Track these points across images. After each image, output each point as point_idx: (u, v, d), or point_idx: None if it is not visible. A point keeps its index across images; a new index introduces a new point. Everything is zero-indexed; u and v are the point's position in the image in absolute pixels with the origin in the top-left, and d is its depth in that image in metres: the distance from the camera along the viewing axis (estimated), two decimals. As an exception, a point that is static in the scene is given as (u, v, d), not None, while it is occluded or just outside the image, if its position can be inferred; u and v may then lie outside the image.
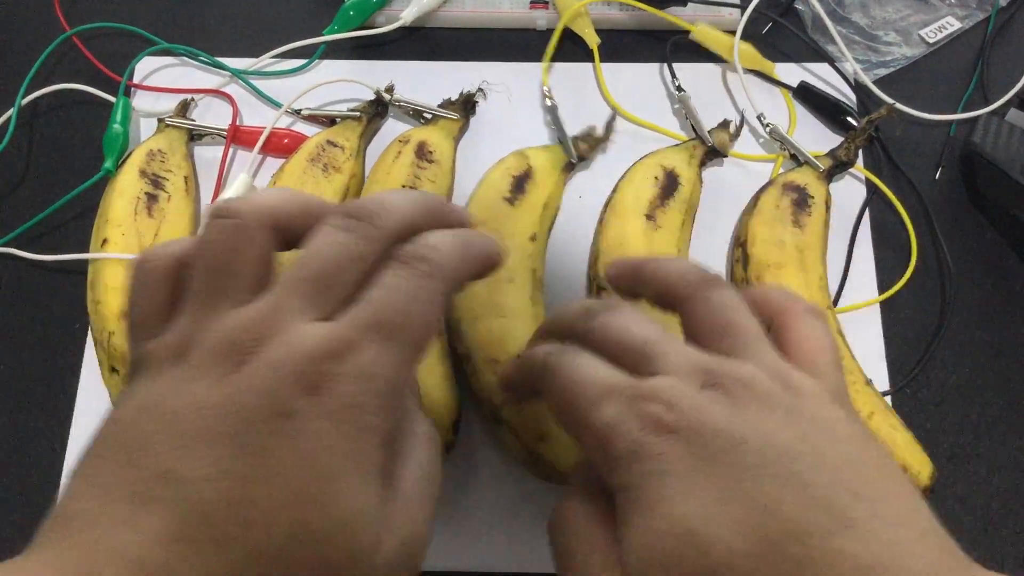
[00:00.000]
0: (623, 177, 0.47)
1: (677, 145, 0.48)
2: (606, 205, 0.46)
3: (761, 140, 0.50)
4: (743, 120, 0.50)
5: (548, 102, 0.50)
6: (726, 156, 0.49)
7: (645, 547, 0.24)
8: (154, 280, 0.25)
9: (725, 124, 0.49)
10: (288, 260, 0.25)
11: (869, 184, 0.48)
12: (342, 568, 0.21)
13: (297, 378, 0.22)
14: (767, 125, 0.49)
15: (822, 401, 0.25)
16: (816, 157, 0.47)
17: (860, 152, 0.48)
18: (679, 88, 0.50)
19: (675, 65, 0.51)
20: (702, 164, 0.48)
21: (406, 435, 0.25)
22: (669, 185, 0.46)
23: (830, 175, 0.47)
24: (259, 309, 0.23)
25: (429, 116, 0.49)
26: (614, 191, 0.46)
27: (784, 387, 0.25)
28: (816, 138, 0.50)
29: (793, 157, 0.48)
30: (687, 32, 0.52)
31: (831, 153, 0.48)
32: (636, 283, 0.31)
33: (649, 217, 0.44)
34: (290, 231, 0.25)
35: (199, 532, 0.20)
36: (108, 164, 0.47)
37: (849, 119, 0.50)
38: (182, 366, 0.22)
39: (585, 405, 0.26)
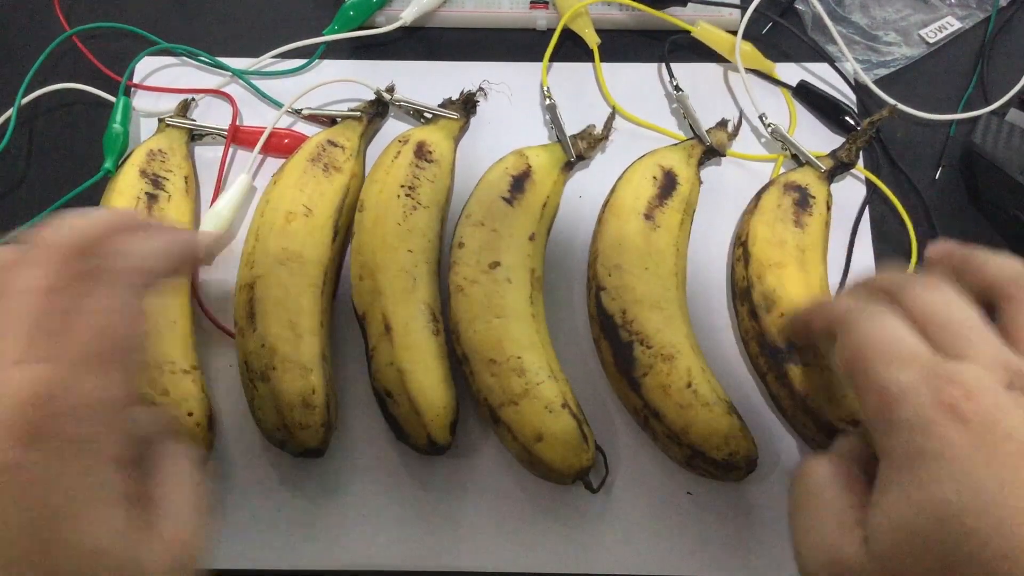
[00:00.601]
0: (621, 177, 0.47)
1: (675, 144, 0.48)
2: (604, 205, 0.46)
3: (763, 140, 0.50)
4: (741, 119, 0.50)
5: (547, 101, 0.50)
6: (724, 155, 0.49)
7: (901, 517, 0.24)
8: None
9: (723, 123, 0.49)
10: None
11: (869, 184, 0.48)
12: None
13: (15, 430, 0.21)
14: (769, 125, 0.49)
15: None
16: (817, 157, 0.47)
17: (860, 152, 0.48)
18: (677, 87, 0.50)
19: (676, 65, 0.51)
20: (700, 163, 0.48)
21: (153, 454, 0.25)
22: (667, 184, 0.46)
23: (831, 175, 0.47)
24: None
25: (429, 116, 0.49)
26: (612, 191, 0.46)
27: None
28: (816, 137, 0.50)
29: (794, 157, 0.48)
30: (687, 32, 0.52)
31: (832, 154, 0.48)
32: (960, 269, 0.30)
33: (648, 217, 0.44)
34: None
35: None
36: (108, 164, 0.47)
37: (848, 119, 0.50)
38: None
39: (882, 363, 0.26)
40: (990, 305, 0.29)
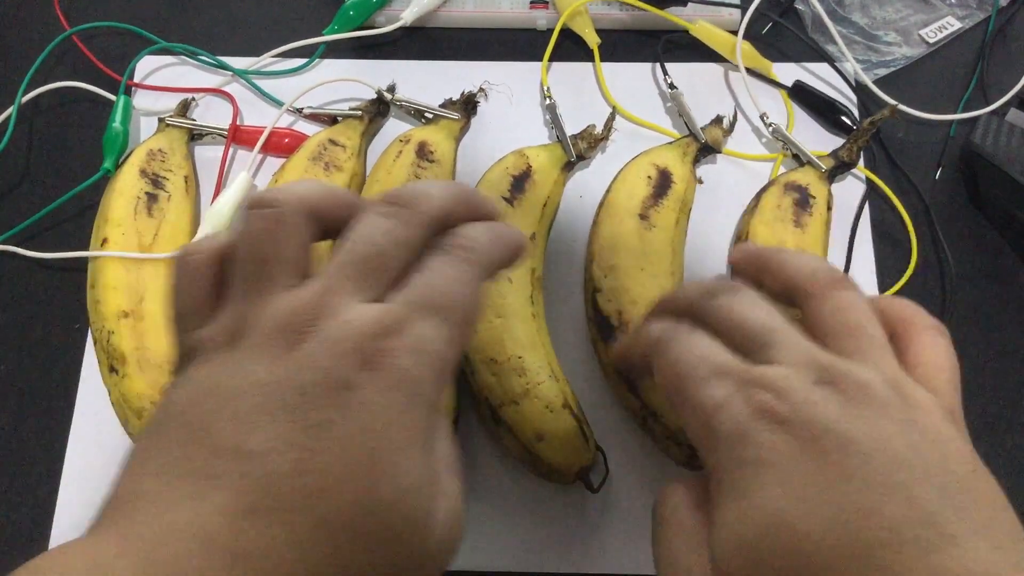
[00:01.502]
0: (616, 177, 0.47)
1: (670, 143, 0.48)
2: (600, 205, 0.46)
3: (764, 140, 0.50)
4: (736, 115, 0.50)
5: (548, 101, 0.50)
6: (719, 152, 0.49)
7: (735, 533, 0.24)
8: (198, 272, 0.25)
9: (718, 120, 0.49)
10: (326, 250, 0.25)
11: (869, 183, 0.48)
12: (403, 537, 0.22)
13: (355, 353, 0.22)
14: (770, 125, 0.49)
15: (936, 416, 0.25)
16: (818, 157, 0.47)
17: (861, 152, 0.48)
18: (671, 85, 0.50)
19: (676, 65, 0.51)
20: (696, 161, 0.48)
21: (442, 425, 0.26)
22: (662, 184, 0.45)
23: (832, 175, 0.47)
24: (312, 291, 0.23)
25: (430, 116, 0.49)
26: (607, 191, 0.46)
27: (900, 397, 0.25)
28: (812, 137, 0.50)
29: (795, 157, 0.48)
30: (684, 30, 0.52)
31: (833, 153, 0.48)
32: (761, 272, 0.30)
33: (643, 216, 0.44)
34: (326, 221, 0.26)
35: (265, 504, 0.20)
36: (108, 164, 0.47)
37: (844, 119, 0.50)
38: (238, 349, 0.23)
39: (695, 382, 0.26)
40: (794, 304, 0.29)
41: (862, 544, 0.22)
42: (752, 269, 0.31)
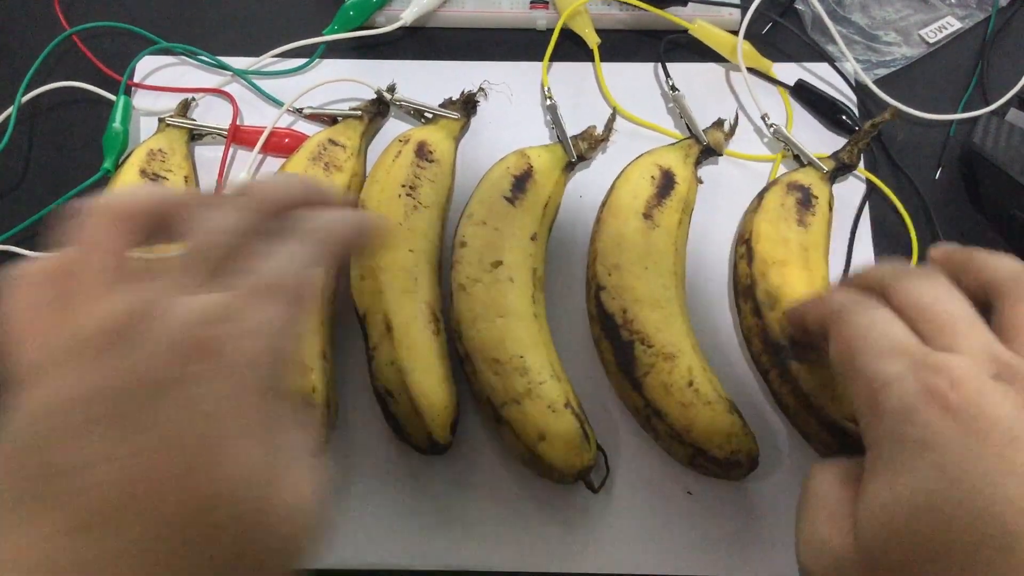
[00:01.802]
0: (619, 177, 0.47)
1: (672, 144, 0.48)
2: (603, 205, 0.46)
3: (765, 140, 0.50)
4: (737, 118, 0.50)
5: (548, 101, 0.50)
6: (721, 154, 0.49)
7: (884, 508, 0.24)
8: (22, 292, 0.25)
9: (720, 123, 0.49)
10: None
11: (869, 183, 0.48)
12: (240, 527, 0.22)
13: (179, 347, 0.22)
14: (771, 125, 0.49)
15: None
16: (819, 158, 0.47)
17: (862, 153, 0.48)
18: (673, 87, 0.50)
19: (676, 65, 0.51)
20: (698, 162, 0.48)
21: (287, 410, 0.25)
22: (665, 184, 0.46)
23: (833, 176, 0.47)
24: (134, 290, 0.23)
25: (430, 116, 0.49)
26: (610, 191, 0.46)
27: None
28: (813, 137, 0.50)
29: (796, 157, 0.48)
30: (684, 30, 0.52)
31: (835, 155, 0.48)
32: (961, 270, 0.30)
33: (646, 216, 0.44)
34: (155, 223, 0.25)
35: (95, 518, 0.20)
36: (107, 164, 0.47)
37: (845, 119, 0.50)
38: (61, 367, 0.22)
39: (871, 354, 0.27)
40: (988, 304, 0.29)
41: (1010, 538, 0.22)
42: (951, 267, 0.31)
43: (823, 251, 0.44)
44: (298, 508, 0.23)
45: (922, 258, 0.47)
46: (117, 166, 0.47)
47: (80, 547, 0.20)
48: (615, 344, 0.41)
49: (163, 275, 0.23)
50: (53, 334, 0.23)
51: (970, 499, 0.23)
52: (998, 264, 0.30)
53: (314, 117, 0.50)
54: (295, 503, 0.23)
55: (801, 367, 0.40)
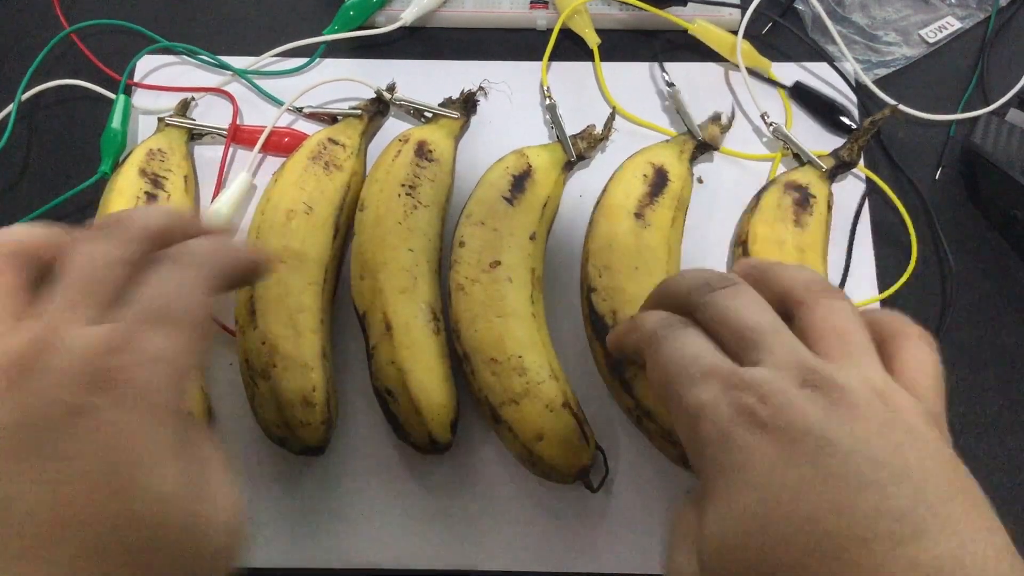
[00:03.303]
0: (612, 176, 0.47)
1: (667, 141, 0.48)
2: (596, 205, 0.46)
3: (764, 140, 0.50)
4: (734, 112, 0.50)
5: (547, 101, 0.50)
6: (717, 150, 0.49)
7: (716, 535, 0.24)
8: None
9: (716, 118, 0.49)
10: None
11: (869, 183, 0.48)
12: (170, 546, 0.22)
13: (82, 377, 0.22)
14: (771, 124, 0.49)
15: (918, 419, 0.25)
16: (818, 157, 0.47)
17: (862, 152, 0.48)
18: (669, 83, 0.50)
19: (675, 64, 0.51)
20: (693, 159, 0.48)
21: (195, 428, 0.26)
22: (658, 182, 0.45)
23: (832, 175, 0.47)
24: (28, 329, 0.23)
25: (429, 115, 0.49)
26: (604, 190, 0.46)
27: (882, 400, 0.25)
28: (812, 137, 0.50)
29: (796, 156, 0.48)
30: (683, 30, 0.52)
31: (834, 153, 0.48)
32: (759, 283, 0.31)
33: (638, 215, 0.44)
34: (40, 261, 0.25)
35: (19, 546, 0.20)
36: (105, 166, 0.47)
37: (844, 119, 0.50)
38: None
39: (683, 383, 0.27)
40: (788, 314, 0.29)
41: (835, 542, 0.22)
42: (751, 281, 0.31)
43: (821, 252, 0.44)
44: (224, 522, 0.24)
45: (922, 258, 0.47)
46: (116, 166, 0.47)
47: (24, 573, 0.20)
48: (606, 345, 0.41)
49: (53, 310, 0.23)
50: None
51: (792, 512, 0.23)
52: (793, 274, 0.30)
53: (314, 116, 0.50)
54: (221, 517, 0.24)
55: None
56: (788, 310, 0.29)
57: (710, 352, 0.28)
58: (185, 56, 0.52)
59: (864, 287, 0.46)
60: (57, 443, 0.21)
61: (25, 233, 0.26)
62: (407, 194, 0.44)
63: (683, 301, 0.30)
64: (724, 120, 0.49)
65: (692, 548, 0.26)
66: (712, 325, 0.29)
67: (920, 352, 0.28)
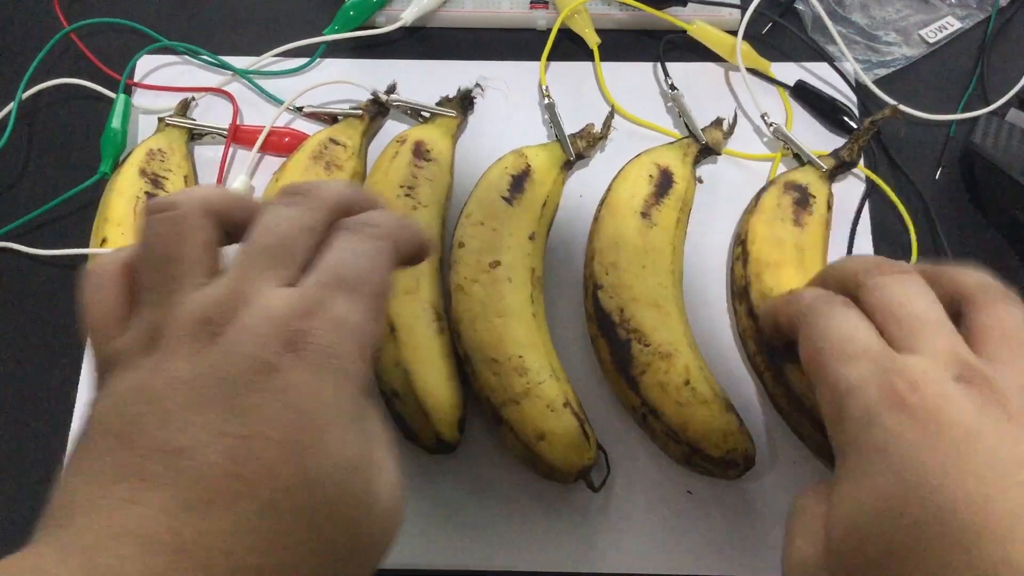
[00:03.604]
0: (617, 175, 0.47)
1: (671, 143, 0.48)
2: (601, 203, 0.46)
3: (765, 139, 0.50)
4: (736, 117, 0.50)
5: (546, 100, 0.50)
6: (719, 153, 0.49)
7: (849, 514, 0.25)
8: (106, 283, 0.25)
9: (718, 122, 0.49)
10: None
11: (869, 183, 0.48)
12: (346, 512, 0.22)
13: (274, 337, 0.22)
14: (771, 124, 0.49)
15: None
16: (819, 157, 0.47)
17: (862, 151, 0.48)
18: (672, 86, 0.50)
19: (675, 65, 0.51)
20: (696, 162, 0.48)
21: (369, 402, 0.26)
22: (663, 183, 0.46)
23: (833, 175, 0.47)
24: (223, 284, 0.23)
25: (427, 115, 0.49)
26: (609, 189, 0.46)
27: None
28: (812, 137, 0.50)
29: (796, 156, 0.48)
30: (683, 31, 0.52)
31: (834, 153, 0.48)
32: (932, 278, 0.30)
33: (644, 215, 0.44)
34: (229, 222, 0.26)
35: (203, 496, 0.20)
36: (104, 167, 0.47)
37: (846, 119, 0.50)
38: (155, 353, 0.23)
39: (835, 359, 0.27)
40: (958, 314, 0.29)
41: (969, 536, 0.22)
42: (925, 275, 0.31)
43: (820, 252, 0.44)
44: (392, 495, 0.24)
45: (922, 258, 0.46)
46: (116, 166, 0.47)
47: (183, 527, 0.20)
48: (612, 342, 0.41)
49: (247, 269, 0.24)
50: (145, 321, 0.24)
51: (930, 500, 0.23)
52: (967, 275, 0.30)
53: (314, 116, 0.50)
54: (389, 490, 0.23)
55: (794, 368, 0.40)
56: (958, 310, 0.29)
57: (867, 333, 0.28)
58: (185, 56, 0.52)
59: (864, 287, 0.46)
60: (245, 398, 0.21)
61: (218, 193, 0.26)
62: (406, 195, 0.44)
63: (850, 281, 0.30)
64: (726, 126, 0.49)
65: (816, 531, 0.26)
66: (876, 308, 0.28)
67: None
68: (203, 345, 0.22)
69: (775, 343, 0.40)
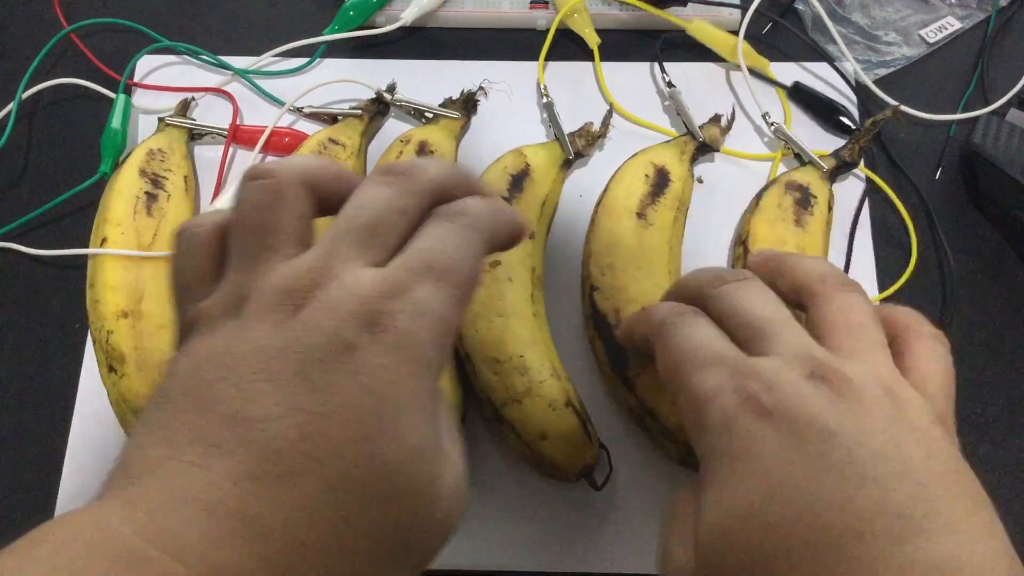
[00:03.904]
0: (614, 175, 0.47)
1: (668, 141, 0.48)
2: (597, 204, 0.46)
3: (765, 139, 0.50)
4: (734, 114, 0.50)
5: (545, 100, 0.50)
6: (717, 151, 0.49)
7: (714, 521, 0.24)
8: (198, 245, 0.25)
9: (716, 119, 0.49)
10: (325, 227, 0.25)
11: (869, 183, 0.48)
12: (410, 498, 0.22)
13: (356, 316, 0.22)
14: (772, 124, 0.49)
15: (924, 418, 0.25)
16: (819, 157, 0.47)
17: (863, 152, 0.48)
18: (669, 84, 0.50)
19: (676, 64, 0.51)
20: (693, 160, 0.48)
21: (440, 391, 0.26)
22: (660, 182, 0.46)
23: (833, 175, 0.47)
24: (312, 258, 0.23)
25: (430, 116, 0.49)
26: (605, 189, 0.46)
27: (890, 396, 0.25)
28: (812, 137, 0.50)
29: (796, 156, 0.48)
30: (681, 29, 0.52)
31: (835, 153, 0.48)
32: (775, 274, 0.31)
33: (640, 215, 0.44)
34: (324, 195, 0.26)
35: (271, 469, 0.20)
36: (104, 167, 0.47)
37: (843, 119, 0.50)
38: (239, 318, 0.22)
39: (690, 369, 0.27)
40: (802, 306, 0.29)
41: (832, 535, 0.22)
42: (766, 271, 0.31)
43: (821, 252, 0.44)
44: (456, 488, 0.23)
45: (922, 258, 0.47)
46: (116, 166, 0.47)
47: (249, 496, 0.20)
48: (608, 344, 0.41)
49: (337, 244, 0.24)
50: (232, 285, 0.24)
51: (791, 502, 0.23)
52: (807, 266, 0.30)
53: (314, 116, 0.50)
54: (454, 483, 0.23)
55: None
56: (802, 301, 0.29)
57: (718, 340, 0.28)
58: (185, 56, 0.52)
59: (864, 287, 0.45)
60: (321, 376, 0.21)
61: (317, 165, 0.26)
62: (407, 194, 0.44)
63: (696, 294, 0.30)
64: (724, 122, 0.49)
65: (689, 538, 0.26)
66: (722, 316, 0.29)
67: (933, 351, 0.28)
68: (285, 316, 0.22)
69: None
